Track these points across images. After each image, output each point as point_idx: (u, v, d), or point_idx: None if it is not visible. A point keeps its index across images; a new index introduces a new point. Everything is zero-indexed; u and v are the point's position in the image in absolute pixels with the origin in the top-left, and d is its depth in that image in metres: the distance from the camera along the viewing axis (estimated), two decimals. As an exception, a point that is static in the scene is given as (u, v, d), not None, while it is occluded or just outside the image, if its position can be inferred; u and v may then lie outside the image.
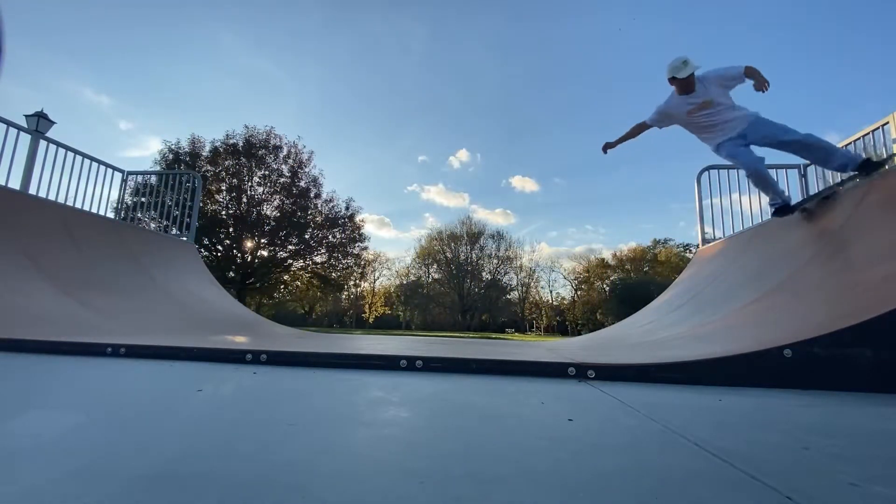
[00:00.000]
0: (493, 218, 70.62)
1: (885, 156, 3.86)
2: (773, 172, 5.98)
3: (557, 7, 59.21)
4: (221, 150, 27.50)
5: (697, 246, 6.57)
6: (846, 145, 4.96)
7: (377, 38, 62.14)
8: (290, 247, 28.83)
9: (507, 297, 49.97)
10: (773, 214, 4.22)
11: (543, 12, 58.52)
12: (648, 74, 59.33)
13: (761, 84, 3.63)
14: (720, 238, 6.13)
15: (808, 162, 5.79)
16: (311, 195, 29.37)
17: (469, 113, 70.91)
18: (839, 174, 4.21)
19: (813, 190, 5.81)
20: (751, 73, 3.70)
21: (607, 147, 4.35)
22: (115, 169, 6.81)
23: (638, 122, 4.16)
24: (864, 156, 3.67)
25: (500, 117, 70.13)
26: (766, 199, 4.48)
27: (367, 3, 60.04)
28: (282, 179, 28.61)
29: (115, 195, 7.41)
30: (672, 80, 3.82)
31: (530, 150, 69.87)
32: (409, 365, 2.40)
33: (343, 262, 30.60)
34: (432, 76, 68.12)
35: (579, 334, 24.68)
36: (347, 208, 30.39)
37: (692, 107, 3.83)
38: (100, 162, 6.40)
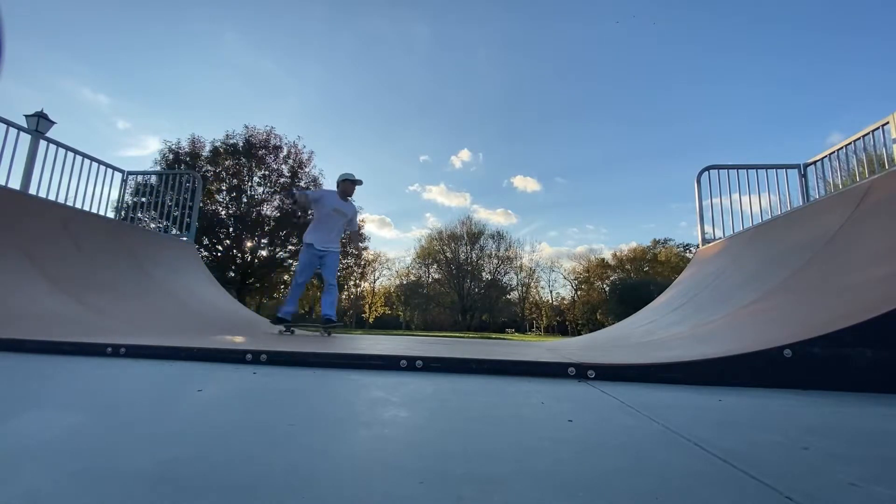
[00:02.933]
0: (494, 218, 70.55)
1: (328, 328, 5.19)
2: (773, 171, 6.00)
3: (560, 7, 59.24)
4: (221, 150, 27.51)
5: (697, 246, 6.57)
6: (846, 145, 4.97)
7: (379, 38, 62.11)
8: (290, 247, 28.83)
9: (507, 297, 49.96)
10: (273, 322, 5.41)
11: (546, 12, 58.52)
12: (649, 74, 59.42)
13: (355, 246, 5.96)
14: (720, 238, 6.14)
15: (807, 161, 5.82)
16: (312, 195, 29.33)
17: (471, 113, 70.90)
18: (839, 175, 4.83)
19: (812, 189, 5.81)
20: (350, 236, 5.63)
21: (293, 195, 5.89)
22: (115, 169, 6.81)
23: (304, 193, 5.43)
24: (331, 318, 5.08)
25: (503, 117, 70.12)
26: (766, 200, 5.06)
27: (369, 2, 60.04)
28: (282, 179, 28.62)
29: (115, 195, 7.42)
30: (351, 181, 5.22)
31: (532, 150, 69.83)
32: (409, 365, 2.40)
33: (343, 262, 30.61)
34: (434, 76, 68.11)
35: (579, 334, 24.69)
36: (347, 208, 30.36)
37: (339, 209, 5.20)
38: (100, 162, 6.40)
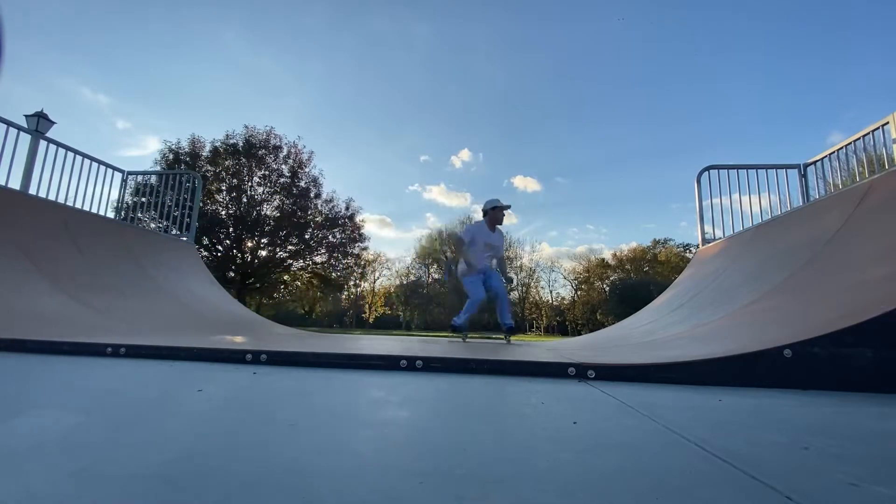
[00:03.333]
0: (493, 218, 70.33)
1: (510, 330, 5.15)
2: (773, 172, 6.01)
3: (561, 6, 59.24)
4: (221, 150, 27.51)
5: (697, 246, 6.57)
6: (846, 145, 4.97)
7: (380, 37, 61.94)
8: (290, 247, 28.84)
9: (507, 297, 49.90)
10: (450, 329, 5.36)
11: (547, 12, 58.49)
12: (650, 74, 59.40)
13: (507, 279, 5.47)
14: (720, 238, 6.14)
15: (808, 161, 5.83)
16: (311, 195, 29.39)
17: (472, 112, 70.81)
18: (839, 175, 4.95)
19: (812, 189, 5.81)
20: (500, 263, 5.37)
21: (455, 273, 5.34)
22: (115, 169, 6.81)
23: (463, 244, 5.17)
24: (512, 325, 5.05)
25: (503, 117, 70.04)
26: (766, 199, 5.16)
27: (370, 1, 60.00)
28: (282, 179, 28.63)
29: (115, 195, 7.43)
30: (501, 208, 5.04)
31: (533, 150, 69.73)
32: (409, 365, 2.40)
33: (343, 262, 30.61)
34: (435, 75, 67.99)
35: (579, 334, 24.68)
36: (347, 208, 30.42)
37: (490, 243, 5.06)
38: (100, 162, 6.41)
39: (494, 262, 5.28)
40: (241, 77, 64.58)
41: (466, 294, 5.14)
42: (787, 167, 5.96)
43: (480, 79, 66.50)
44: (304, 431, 1.20)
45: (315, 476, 0.88)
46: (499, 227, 5.17)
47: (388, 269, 51.27)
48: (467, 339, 5.29)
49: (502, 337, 5.35)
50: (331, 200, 30.09)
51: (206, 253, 25.99)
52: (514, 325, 5.10)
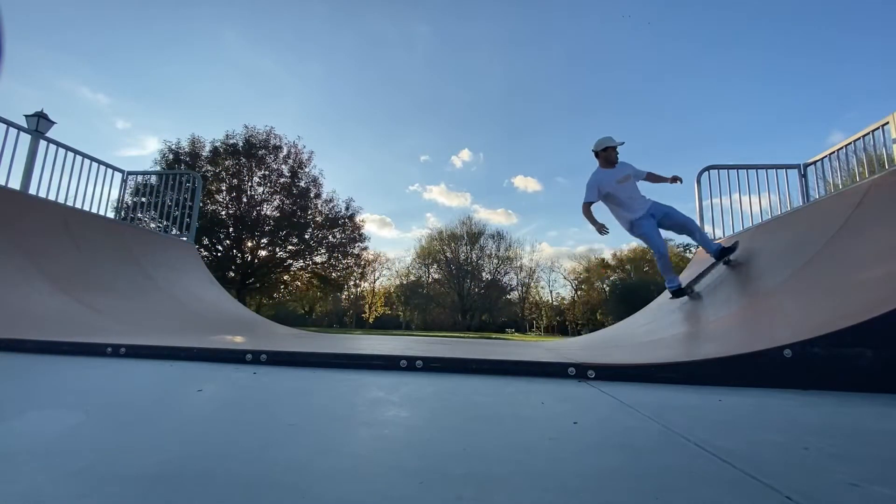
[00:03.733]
0: (494, 218, 70.44)
1: (733, 242, 4.59)
2: (773, 171, 6.01)
3: (561, 6, 59.23)
4: (221, 150, 27.51)
5: (698, 246, 6.56)
6: (846, 145, 4.97)
7: (380, 37, 62.03)
8: (290, 247, 28.83)
9: (507, 297, 49.97)
10: (672, 297, 4.84)
11: (548, 12, 58.50)
12: (650, 73, 59.42)
13: (672, 180, 4.65)
14: (720, 238, 6.13)
15: (808, 161, 5.83)
16: (311, 195, 29.39)
17: (472, 112, 70.90)
18: (839, 175, 4.87)
19: (812, 189, 5.81)
20: (653, 177, 4.67)
21: (600, 230, 4.65)
22: (115, 169, 6.81)
23: (586, 203, 4.57)
24: (721, 245, 4.53)
25: (503, 117, 70.14)
26: (766, 199, 5.04)
27: (371, 1, 59.98)
28: (282, 179, 28.63)
29: (115, 195, 7.42)
30: (606, 150, 4.47)
31: (533, 150, 69.89)
32: (409, 365, 2.40)
33: (343, 262, 30.60)
34: (435, 75, 68.05)
35: (579, 334, 24.67)
36: (347, 208, 30.43)
37: (618, 178, 4.44)
38: (100, 162, 6.40)
39: (643, 178, 4.63)
40: (242, 77, 64.67)
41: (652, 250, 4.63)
42: (787, 167, 5.96)
43: (481, 78, 66.57)
44: (304, 431, 1.20)
45: (315, 476, 0.88)
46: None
47: (388, 269, 51.31)
48: (694, 293, 4.60)
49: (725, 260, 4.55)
50: (331, 200, 30.11)
51: (206, 253, 25.98)
52: (722, 245, 4.49)
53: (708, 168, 6.46)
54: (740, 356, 2.14)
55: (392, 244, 79.54)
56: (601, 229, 4.56)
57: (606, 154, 4.48)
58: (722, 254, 4.45)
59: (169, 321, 4.68)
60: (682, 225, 4.51)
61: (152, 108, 64.08)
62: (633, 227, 4.50)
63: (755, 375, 2.08)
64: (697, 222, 6.41)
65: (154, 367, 2.27)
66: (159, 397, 1.65)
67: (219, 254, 27.04)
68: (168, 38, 56.17)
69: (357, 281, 43.69)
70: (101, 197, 6.43)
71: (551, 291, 53.08)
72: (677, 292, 4.67)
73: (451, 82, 67.35)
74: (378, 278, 51.35)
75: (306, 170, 29.52)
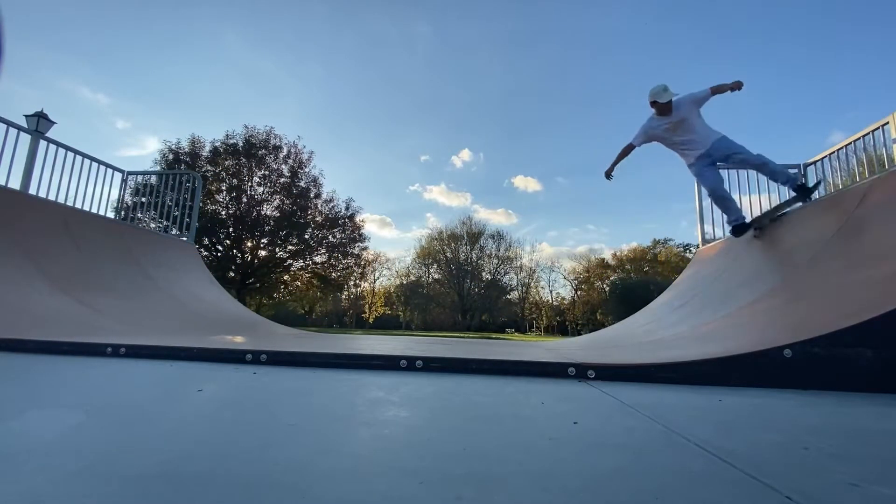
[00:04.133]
0: (495, 218, 70.50)
1: (815, 181, 4.50)
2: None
3: (562, 7, 59.23)
4: (221, 150, 27.51)
5: (697, 246, 6.57)
6: (846, 145, 4.98)
7: (381, 37, 62.08)
8: (290, 247, 28.83)
9: (507, 297, 49.97)
10: (732, 233, 4.71)
11: (548, 12, 58.52)
12: (651, 73, 59.40)
13: (734, 87, 4.34)
14: (720, 238, 6.13)
15: (808, 161, 5.83)
16: (311, 195, 29.39)
17: (472, 112, 70.95)
18: (839, 175, 4.83)
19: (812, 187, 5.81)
20: (717, 89, 4.40)
21: (608, 173, 4.81)
22: (115, 169, 6.81)
23: (630, 144, 4.63)
24: (801, 181, 4.41)
25: (504, 117, 70.20)
26: (766, 199, 5.00)
27: (371, 1, 59.97)
28: (282, 179, 28.63)
29: (115, 195, 7.42)
30: (653, 103, 4.39)
31: (533, 150, 69.96)
32: (409, 365, 2.40)
33: (343, 262, 30.60)
34: (435, 75, 68.08)
35: (579, 334, 24.66)
36: (347, 208, 30.43)
37: (669, 125, 4.41)
38: (100, 162, 6.40)
39: (703, 101, 4.41)
40: (242, 77, 64.68)
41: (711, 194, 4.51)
42: (787, 167, 5.95)
43: (481, 78, 66.57)
44: (304, 431, 1.20)
45: (315, 476, 0.88)
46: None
47: (388, 269, 51.30)
48: (757, 232, 4.43)
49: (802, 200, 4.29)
50: (331, 200, 30.10)
51: (206, 253, 25.98)
52: (802, 180, 4.32)
53: (708, 168, 6.44)
54: (740, 356, 2.14)
55: (392, 244, 79.64)
56: (609, 173, 4.75)
57: (659, 106, 4.39)
58: (803, 191, 4.20)
59: (169, 321, 4.68)
60: (748, 161, 4.36)
61: (152, 108, 64.18)
62: (691, 168, 4.50)
63: (755, 375, 2.08)
64: (697, 222, 6.43)
65: (154, 367, 2.27)
66: (159, 397, 1.65)
67: (219, 254, 27.04)
68: (168, 38, 56.24)
69: (357, 281, 43.73)
70: (101, 197, 6.46)
71: (551, 291, 53.11)
72: (739, 227, 4.46)
73: (451, 82, 67.42)
74: (378, 278, 51.40)
75: (306, 170, 29.53)
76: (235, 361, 2.49)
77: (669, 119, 4.41)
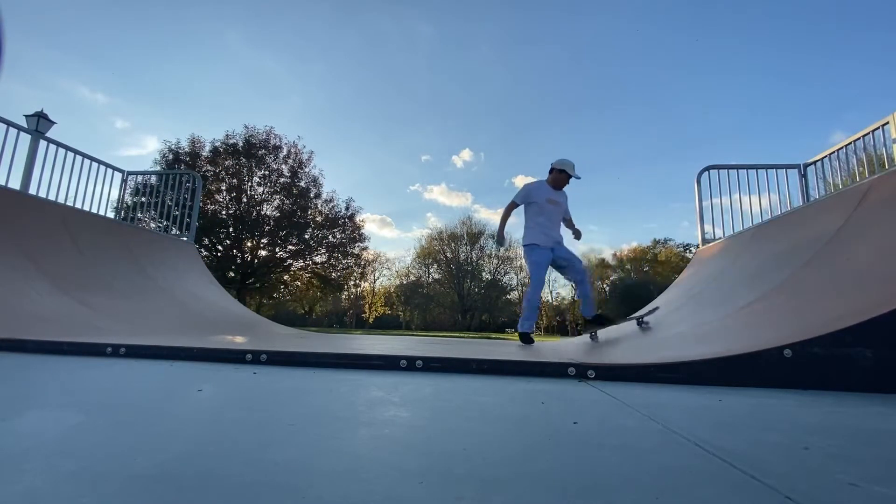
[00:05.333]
0: (495, 218, 70.39)
1: (612, 316, 4.65)
2: (773, 171, 6.00)
3: (563, 7, 59.24)
4: (221, 150, 27.52)
5: (697, 246, 6.56)
6: (846, 145, 4.98)
7: (382, 37, 62.01)
8: (290, 247, 28.85)
9: (507, 297, 49.97)
10: (521, 342, 4.67)
11: (549, 12, 58.54)
12: (651, 75, 59.41)
13: (574, 232, 4.92)
14: (720, 238, 6.13)
15: (808, 161, 5.83)
16: (311, 195, 29.41)
17: (473, 112, 70.88)
18: (839, 175, 4.97)
19: (812, 188, 5.81)
20: (567, 222, 4.85)
21: (499, 240, 5.14)
22: (115, 169, 6.81)
23: (511, 203, 4.77)
24: (597, 312, 4.53)
25: (505, 116, 70.15)
26: (766, 199, 5.19)
27: (372, 0, 59.96)
28: (282, 179, 28.65)
29: (115, 195, 7.42)
30: (562, 173, 4.61)
31: (534, 150, 69.72)
32: (409, 365, 2.40)
33: (343, 262, 30.62)
34: (437, 75, 67.98)
35: (579, 334, 24.62)
36: (347, 208, 30.46)
37: (552, 200, 4.65)
38: (100, 162, 6.40)
39: (567, 218, 4.75)
40: (242, 77, 64.64)
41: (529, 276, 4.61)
42: (787, 167, 5.95)
43: (482, 78, 66.57)
44: (304, 431, 1.20)
45: (314, 476, 0.88)
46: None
47: (388, 269, 51.30)
48: (595, 336, 4.46)
49: (588, 331, 4.56)
50: (331, 200, 30.13)
51: (206, 253, 25.99)
52: (599, 313, 4.44)
53: (708, 168, 6.46)
54: (740, 356, 2.14)
55: (392, 244, 79.55)
56: (501, 240, 5.07)
57: (560, 177, 4.63)
58: (596, 319, 4.47)
59: (169, 321, 4.68)
60: (577, 271, 4.57)
61: (152, 108, 64.09)
62: (528, 251, 4.61)
63: (755, 375, 2.08)
64: (697, 222, 6.43)
65: (154, 367, 2.27)
66: (159, 397, 1.65)
67: (219, 254, 27.05)
68: (168, 38, 56.19)
69: (357, 281, 43.69)
70: (101, 197, 6.44)
71: (551, 291, 53.04)
72: (527, 338, 4.56)
73: (452, 82, 67.40)
74: (378, 278, 51.39)
75: (306, 170, 29.57)
76: (235, 361, 2.49)
77: (556, 196, 4.67)
